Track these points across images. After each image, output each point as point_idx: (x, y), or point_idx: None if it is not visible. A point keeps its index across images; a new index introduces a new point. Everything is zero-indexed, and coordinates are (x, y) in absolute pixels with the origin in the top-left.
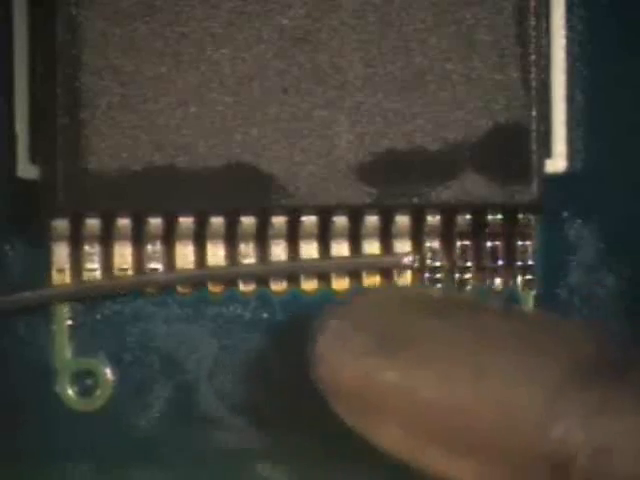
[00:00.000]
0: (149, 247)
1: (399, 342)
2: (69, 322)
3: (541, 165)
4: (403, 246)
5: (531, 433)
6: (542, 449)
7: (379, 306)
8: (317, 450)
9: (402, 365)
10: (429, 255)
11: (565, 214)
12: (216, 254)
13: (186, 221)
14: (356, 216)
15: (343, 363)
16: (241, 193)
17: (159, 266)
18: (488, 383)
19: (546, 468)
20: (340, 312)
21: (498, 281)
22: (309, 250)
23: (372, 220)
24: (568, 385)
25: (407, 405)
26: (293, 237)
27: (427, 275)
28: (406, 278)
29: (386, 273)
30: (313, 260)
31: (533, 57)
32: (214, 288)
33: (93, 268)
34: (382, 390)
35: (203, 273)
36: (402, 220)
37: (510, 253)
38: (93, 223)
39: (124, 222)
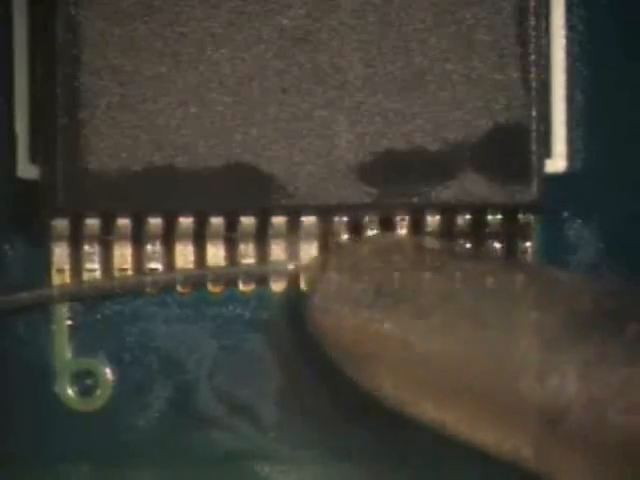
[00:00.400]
0: (149, 247)
1: (397, 294)
2: (69, 322)
3: (541, 165)
4: None
5: (527, 384)
6: (537, 400)
7: (377, 256)
8: (317, 450)
9: (399, 317)
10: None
11: (565, 214)
12: (216, 254)
13: (186, 221)
14: (356, 216)
15: (342, 314)
16: (241, 193)
17: (159, 266)
18: (483, 335)
19: (541, 420)
20: (338, 262)
21: None
22: (308, 250)
23: (372, 220)
24: (564, 337)
25: (403, 357)
26: (293, 237)
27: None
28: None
29: None
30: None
31: (533, 57)
32: (214, 288)
33: (93, 268)
34: (379, 341)
35: (203, 273)
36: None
37: (510, 253)
38: (93, 223)
39: (124, 222)
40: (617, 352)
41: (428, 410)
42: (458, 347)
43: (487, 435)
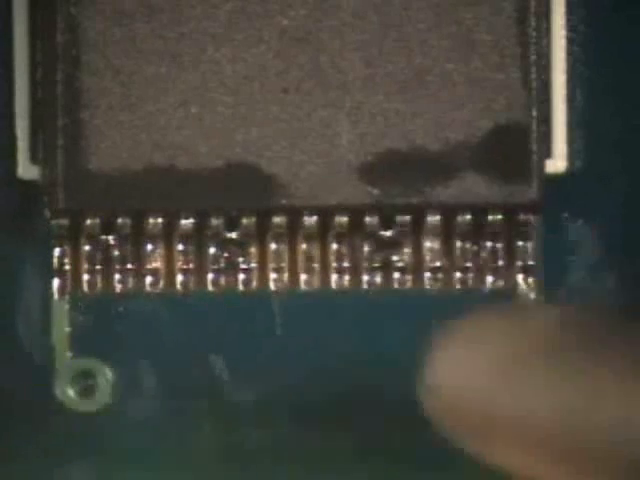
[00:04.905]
0: (149, 247)
1: (515, 367)
2: (69, 322)
3: (541, 165)
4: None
5: None
6: None
7: (490, 332)
8: (319, 450)
9: (520, 390)
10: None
11: (565, 214)
12: (216, 254)
13: (187, 222)
14: (356, 216)
15: (460, 392)
16: (241, 193)
17: (159, 266)
18: (604, 406)
19: None
20: (450, 342)
21: (498, 281)
22: (310, 250)
23: (372, 220)
24: None
25: (526, 431)
26: (293, 237)
27: (427, 275)
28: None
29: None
30: None
31: (533, 57)
32: (214, 288)
33: (93, 268)
34: (500, 417)
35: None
36: (402, 220)
37: (510, 253)
38: (93, 223)
39: (124, 222)
40: None
41: (558, 477)
42: (580, 421)
43: None
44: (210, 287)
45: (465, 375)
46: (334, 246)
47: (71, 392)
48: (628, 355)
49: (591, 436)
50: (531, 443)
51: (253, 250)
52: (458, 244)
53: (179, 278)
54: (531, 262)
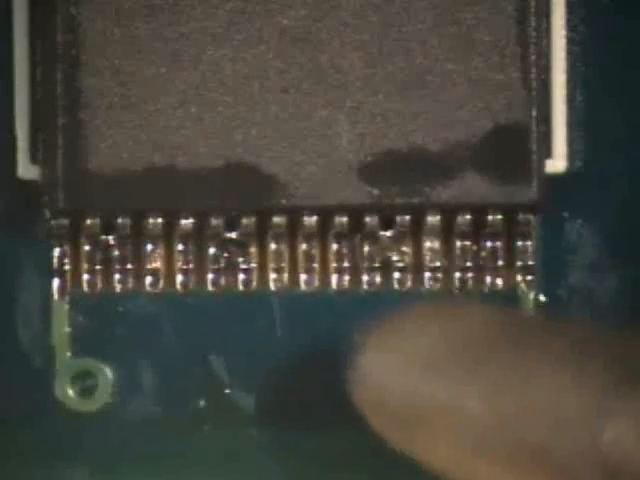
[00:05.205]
0: (149, 247)
1: (442, 359)
2: (69, 322)
3: (541, 165)
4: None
5: (583, 439)
6: (595, 454)
7: (418, 324)
8: (318, 449)
9: (446, 382)
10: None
11: (565, 214)
12: (216, 254)
13: (187, 221)
14: (356, 216)
15: (386, 383)
16: (241, 193)
17: (159, 266)
18: (535, 392)
19: (600, 475)
20: (379, 334)
21: (498, 281)
22: (309, 250)
23: (372, 220)
24: (619, 388)
25: (453, 422)
26: (293, 237)
27: (427, 275)
28: None
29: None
30: None
31: (533, 57)
32: (214, 288)
33: (93, 268)
34: (427, 408)
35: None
36: (402, 220)
37: (510, 253)
38: (93, 223)
39: (124, 222)
40: None
41: (483, 473)
42: (509, 407)
43: None
44: (210, 287)
45: (390, 369)
46: (334, 246)
47: (71, 392)
48: (554, 350)
49: (519, 429)
50: (456, 437)
51: (253, 250)
52: (458, 244)
53: (179, 278)
54: (531, 262)
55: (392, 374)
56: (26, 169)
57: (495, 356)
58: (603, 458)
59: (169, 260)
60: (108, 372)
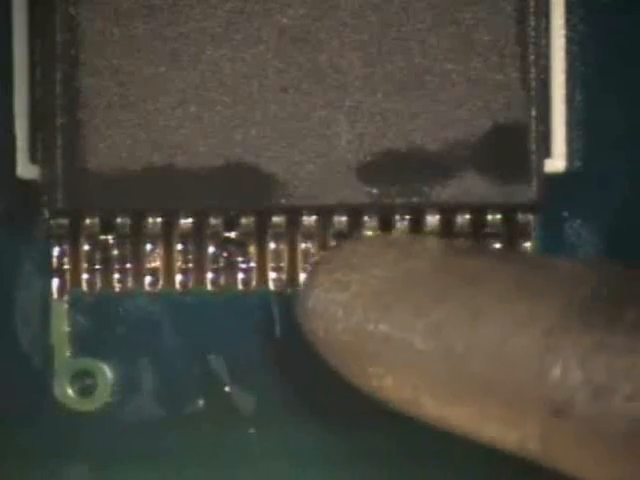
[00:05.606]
0: (148, 246)
1: (393, 293)
2: (68, 322)
3: (540, 165)
4: None
5: (528, 376)
6: (540, 391)
7: (371, 256)
8: (318, 449)
9: (396, 316)
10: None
11: (565, 214)
12: (215, 254)
13: (186, 221)
14: (356, 216)
15: (336, 316)
16: (240, 193)
17: (158, 265)
18: (482, 329)
19: (545, 411)
20: (331, 263)
21: None
22: (309, 250)
23: (372, 220)
24: (565, 326)
25: (401, 356)
26: (292, 237)
27: None
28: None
29: None
30: None
31: (533, 57)
32: (213, 287)
33: (93, 268)
34: (375, 342)
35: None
36: (402, 220)
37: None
38: (92, 223)
39: (123, 222)
40: (618, 339)
41: (430, 408)
42: (457, 343)
43: (491, 430)
44: (209, 286)
45: (340, 303)
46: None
47: (70, 392)
48: (504, 279)
49: (465, 365)
50: (404, 372)
51: (252, 250)
52: None
53: (178, 277)
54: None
55: (342, 308)
56: (25, 169)
57: (446, 290)
58: (549, 393)
59: (168, 260)
60: (107, 372)
